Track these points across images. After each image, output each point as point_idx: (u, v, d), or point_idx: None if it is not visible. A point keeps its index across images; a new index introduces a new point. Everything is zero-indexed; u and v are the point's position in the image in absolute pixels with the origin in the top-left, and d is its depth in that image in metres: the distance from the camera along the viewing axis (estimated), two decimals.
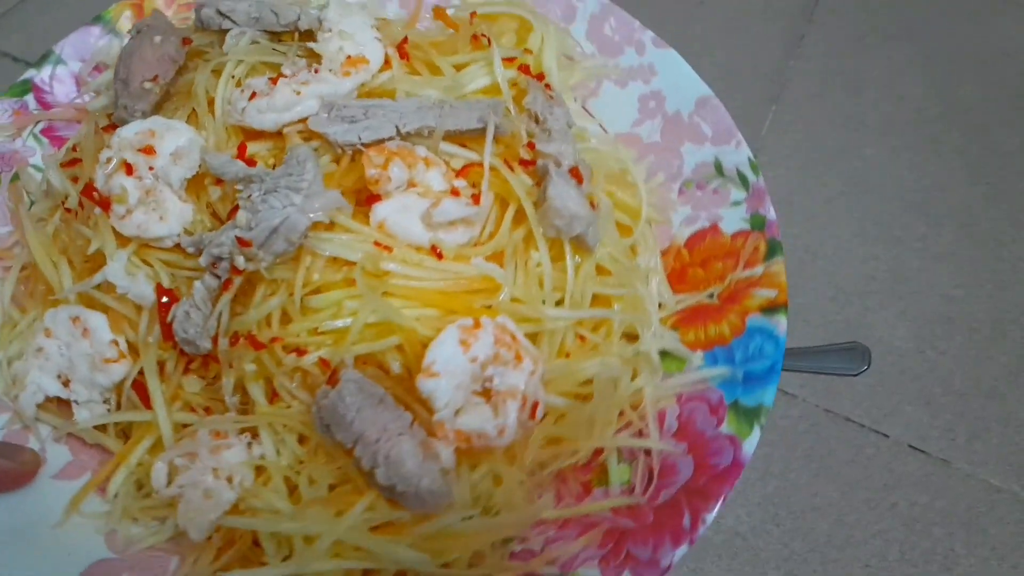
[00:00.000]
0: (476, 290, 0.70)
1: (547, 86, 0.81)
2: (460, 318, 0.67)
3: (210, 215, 0.73)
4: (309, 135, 0.73)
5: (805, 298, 1.16)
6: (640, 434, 0.74)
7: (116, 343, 0.71)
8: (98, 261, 0.73)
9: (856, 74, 1.41)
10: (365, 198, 0.71)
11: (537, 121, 0.76)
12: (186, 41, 0.80)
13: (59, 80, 0.86)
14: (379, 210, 0.69)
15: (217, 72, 0.77)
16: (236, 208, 0.69)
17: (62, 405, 0.74)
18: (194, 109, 0.76)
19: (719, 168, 0.85)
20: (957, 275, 1.18)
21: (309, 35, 0.79)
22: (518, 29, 0.87)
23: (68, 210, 0.76)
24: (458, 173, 0.74)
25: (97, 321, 0.71)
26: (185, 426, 0.71)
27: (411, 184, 0.70)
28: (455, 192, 0.71)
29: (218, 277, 0.68)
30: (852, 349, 1.00)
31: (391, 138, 0.72)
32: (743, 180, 0.83)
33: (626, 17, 0.93)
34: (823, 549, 0.97)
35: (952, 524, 0.98)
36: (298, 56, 0.76)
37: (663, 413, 0.75)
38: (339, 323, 0.67)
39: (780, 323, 0.75)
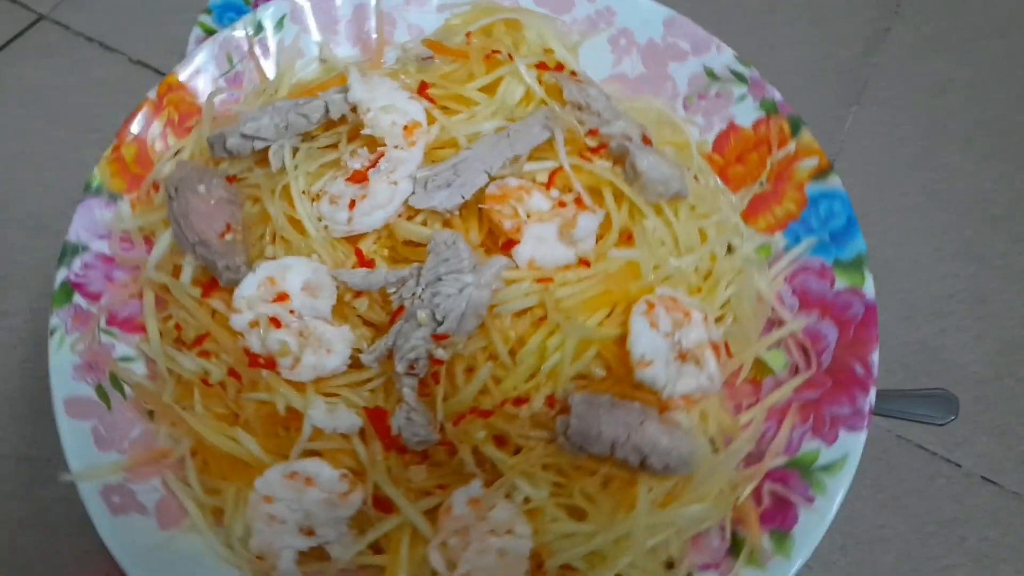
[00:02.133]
0: (626, 277, 0.76)
1: (572, 73, 0.86)
2: (628, 306, 0.75)
3: (363, 324, 0.75)
4: (412, 212, 0.76)
5: (879, 318, 1.08)
6: (775, 325, 0.85)
7: (345, 475, 0.73)
8: (267, 411, 0.74)
9: (942, 74, 1.31)
10: (501, 245, 0.75)
11: (580, 108, 0.82)
12: (231, 178, 0.79)
13: (92, 267, 0.82)
14: (522, 252, 0.73)
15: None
16: (400, 310, 0.72)
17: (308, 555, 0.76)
18: (283, 238, 0.76)
19: (711, 74, 0.92)
20: None
21: (343, 120, 0.79)
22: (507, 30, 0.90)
23: (210, 384, 0.75)
24: (547, 186, 0.79)
25: (317, 467, 0.72)
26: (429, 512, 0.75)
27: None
28: (562, 204, 0.77)
29: (416, 375, 0.72)
30: (941, 397, 0.98)
31: (486, 185, 0.76)
32: (739, 76, 0.90)
33: None
34: None
35: (1022, 561, 0.95)
36: (353, 153, 0.77)
37: (780, 297, 0.86)
38: (551, 361, 0.72)
39: (835, 182, 0.86)
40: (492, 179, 0.75)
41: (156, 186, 0.85)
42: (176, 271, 0.78)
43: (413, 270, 0.71)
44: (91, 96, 1.16)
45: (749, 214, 0.89)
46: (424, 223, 0.75)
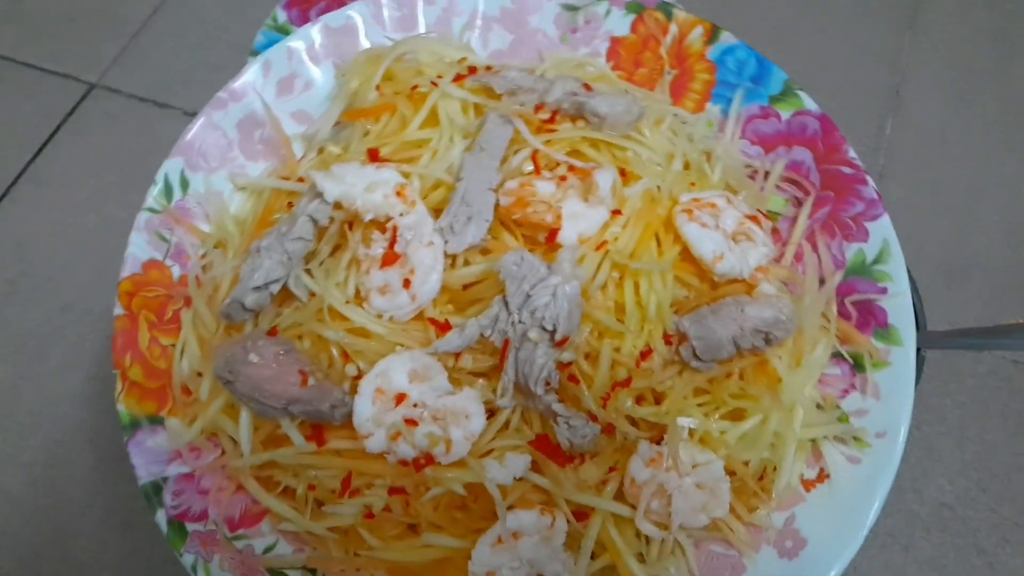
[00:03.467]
0: (650, 206, 0.81)
1: (488, 68, 0.88)
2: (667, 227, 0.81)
3: (476, 378, 0.76)
4: (451, 259, 0.78)
5: (976, 243, 1.11)
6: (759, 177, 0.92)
7: (542, 509, 0.75)
8: (442, 502, 0.75)
9: None
10: (546, 240, 0.77)
11: (515, 93, 0.84)
12: (271, 333, 0.77)
13: (180, 492, 0.78)
14: (567, 233, 0.76)
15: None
16: (506, 344, 0.73)
17: None
18: (356, 352, 0.76)
19: (570, 7, 0.97)
20: None
21: (331, 222, 0.79)
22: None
23: (374, 516, 0.75)
24: (537, 172, 0.82)
25: (516, 520, 0.71)
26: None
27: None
28: (563, 179, 0.80)
29: (553, 388, 0.74)
30: None
31: (497, 200, 0.79)
32: None
33: None
34: None
35: None
36: (365, 243, 0.77)
37: (746, 154, 0.94)
38: (652, 306, 0.77)
39: (728, 36, 0.94)
40: (496, 191, 0.78)
41: (186, 390, 0.81)
42: (275, 442, 0.76)
43: (498, 303, 0.73)
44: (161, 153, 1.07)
45: (676, 102, 0.96)
46: (467, 263, 0.77)
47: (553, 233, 0.76)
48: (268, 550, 0.78)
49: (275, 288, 0.76)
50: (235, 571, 0.75)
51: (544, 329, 0.71)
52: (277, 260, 0.76)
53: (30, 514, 0.99)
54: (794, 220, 0.89)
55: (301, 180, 0.87)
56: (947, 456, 1.01)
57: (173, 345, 0.83)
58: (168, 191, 0.88)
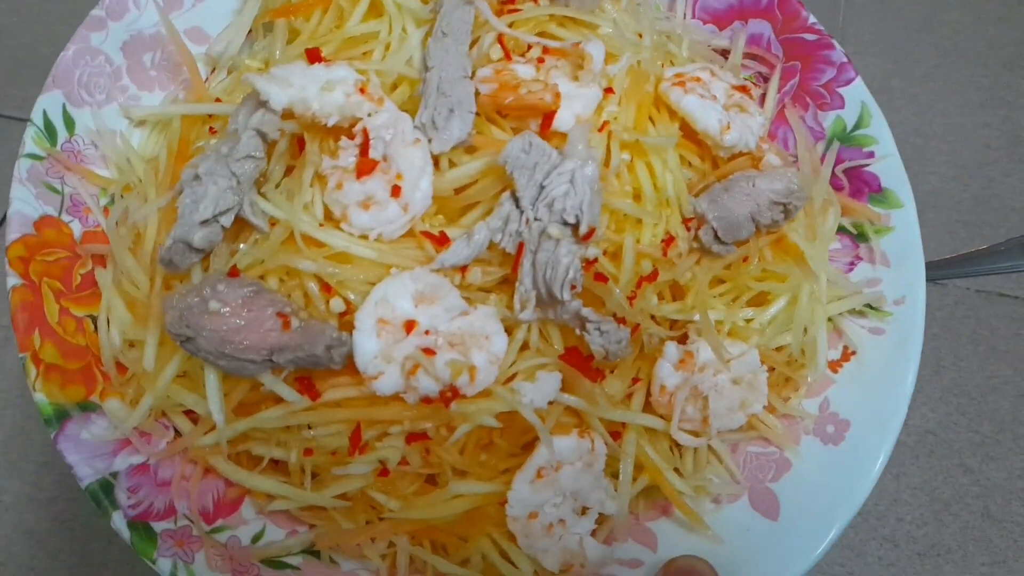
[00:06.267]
0: (639, 82, 0.72)
1: None
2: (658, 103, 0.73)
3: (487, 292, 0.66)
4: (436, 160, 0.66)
5: (928, 183, 1.15)
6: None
7: (579, 433, 0.66)
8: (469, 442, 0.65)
9: None
10: (542, 125, 0.67)
11: None
12: (232, 274, 0.63)
13: (137, 488, 0.62)
14: (564, 115, 0.66)
15: None
16: (520, 248, 0.63)
17: None
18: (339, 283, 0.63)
19: None
20: None
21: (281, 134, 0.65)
22: None
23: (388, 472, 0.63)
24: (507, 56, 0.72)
25: (555, 448, 0.63)
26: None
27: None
28: (541, 60, 0.70)
29: (577, 291, 0.64)
30: (1018, 246, 0.91)
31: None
32: None
33: None
34: (1011, 426, 1.01)
35: None
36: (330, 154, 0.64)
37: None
38: (669, 185, 0.69)
39: None
40: (472, 77, 0.67)
41: (120, 367, 0.66)
42: (247, 408, 0.63)
43: (507, 199, 0.63)
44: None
45: None
46: (451, 164, 0.66)
47: (549, 117, 0.66)
48: (257, 538, 0.65)
49: (227, 220, 0.62)
50: (224, 570, 0.62)
51: (566, 223, 0.62)
52: (225, 186, 0.62)
53: (55, 550, 0.94)
54: (763, 97, 0.84)
55: (219, 102, 0.72)
56: (926, 386, 1.04)
57: (90, 316, 0.68)
58: (50, 132, 0.71)
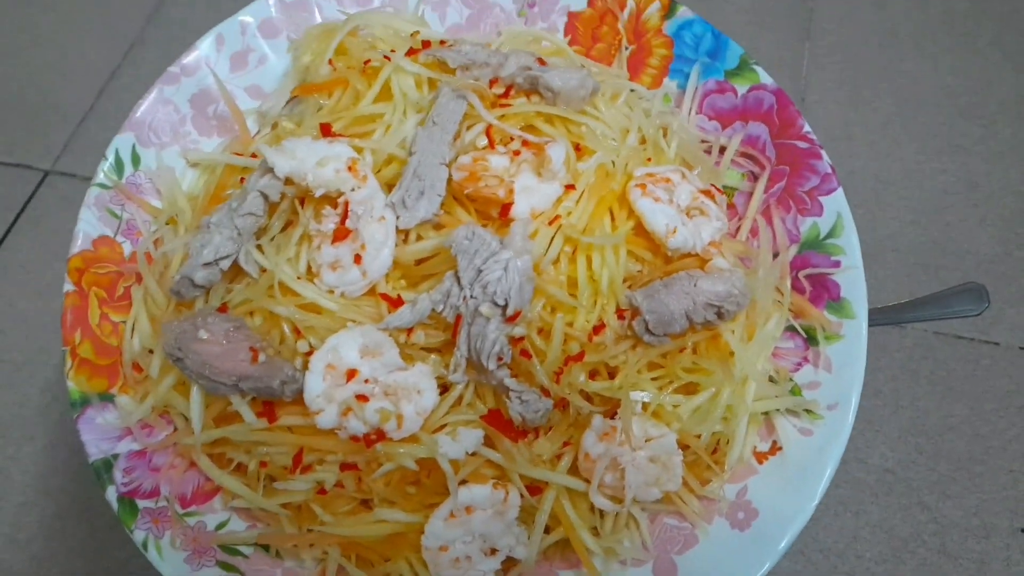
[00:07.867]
0: (604, 180, 0.80)
1: (442, 42, 0.88)
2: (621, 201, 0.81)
3: (428, 353, 0.76)
4: (404, 235, 0.77)
5: (888, 228, 1.21)
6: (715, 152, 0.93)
7: (495, 483, 0.75)
8: (394, 478, 0.75)
9: None
10: (499, 214, 0.76)
11: (469, 68, 0.84)
12: (221, 309, 0.77)
13: (132, 469, 0.77)
14: (520, 207, 0.75)
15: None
16: (458, 319, 0.73)
17: None
18: (308, 328, 0.75)
19: None
20: None
21: (283, 198, 0.78)
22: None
23: (326, 492, 0.75)
24: (491, 146, 0.82)
25: (470, 494, 0.72)
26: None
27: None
28: (517, 153, 0.79)
29: (505, 363, 0.73)
30: (970, 290, 0.97)
31: (449, 175, 0.78)
32: None
33: None
34: (967, 465, 1.04)
35: None
36: (317, 218, 0.77)
37: (703, 128, 0.94)
38: (605, 279, 0.76)
39: (685, 12, 0.94)
40: (450, 166, 0.77)
41: (137, 367, 0.81)
42: (227, 419, 0.76)
43: (450, 278, 0.73)
44: None
45: (633, 78, 0.95)
46: (419, 238, 0.77)
47: (506, 208, 0.76)
48: (221, 527, 0.78)
49: (225, 264, 0.76)
50: (187, 548, 0.75)
51: (496, 304, 0.71)
52: (227, 236, 0.75)
53: None
54: (750, 195, 0.90)
55: (255, 156, 0.86)
56: (886, 425, 1.08)
57: (124, 322, 0.82)
58: (119, 166, 0.86)
